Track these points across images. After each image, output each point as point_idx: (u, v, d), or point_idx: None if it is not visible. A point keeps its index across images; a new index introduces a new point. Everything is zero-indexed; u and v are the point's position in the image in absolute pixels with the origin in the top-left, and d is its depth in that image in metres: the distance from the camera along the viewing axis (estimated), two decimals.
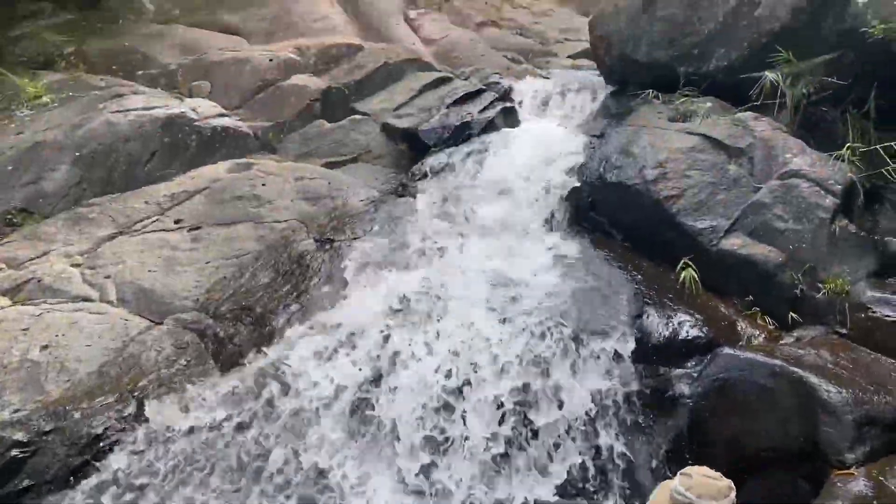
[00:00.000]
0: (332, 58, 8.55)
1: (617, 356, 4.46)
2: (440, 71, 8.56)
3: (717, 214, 5.07)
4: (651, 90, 6.48)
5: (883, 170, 4.95)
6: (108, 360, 4.55)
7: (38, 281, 5.12)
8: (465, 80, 8.22)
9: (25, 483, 3.86)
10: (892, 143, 4.99)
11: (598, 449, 4.24)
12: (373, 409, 4.37)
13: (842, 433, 3.67)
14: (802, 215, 4.79)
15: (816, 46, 5.64)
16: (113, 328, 4.80)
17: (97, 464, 4.00)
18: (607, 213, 5.68)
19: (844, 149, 5.05)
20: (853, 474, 3.51)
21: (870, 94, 5.29)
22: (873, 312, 4.34)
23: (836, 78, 5.44)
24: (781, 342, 4.53)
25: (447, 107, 7.36)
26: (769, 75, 5.59)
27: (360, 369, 4.51)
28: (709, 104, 5.89)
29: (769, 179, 5.07)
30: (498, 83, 7.97)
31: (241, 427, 4.26)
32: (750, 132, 5.41)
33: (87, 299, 5.07)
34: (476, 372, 4.42)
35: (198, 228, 5.76)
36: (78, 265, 5.40)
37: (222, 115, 7.04)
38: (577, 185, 5.90)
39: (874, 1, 5.03)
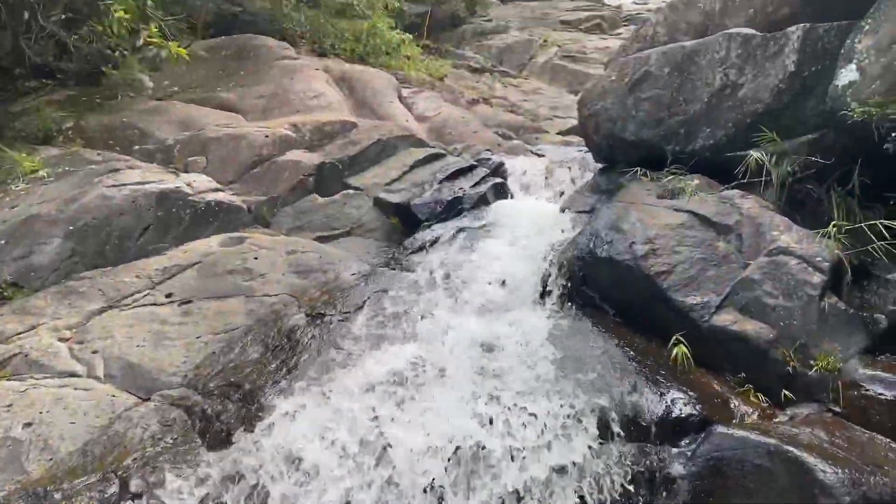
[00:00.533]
0: (327, 134, 8.72)
1: (609, 435, 4.40)
2: (433, 147, 8.74)
3: (707, 290, 5.09)
4: (639, 167, 6.61)
5: (869, 247, 5.01)
6: (92, 438, 4.46)
7: (25, 356, 5.08)
8: (458, 155, 8.40)
9: None
10: (877, 222, 5.07)
11: None
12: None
13: None
14: (792, 292, 4.82)
15: (800, 126, 5.80)
16: (99, 405, 4.73)
17: None
18: (599, 288, 5.69)
19: (830, 226, 5.13)
20: None
21: (853, 172, 5.40)
22: (866, 390, 4.31)
23: (820, 157, 5.57)
24: (776, 420, 4.49)
25: (439, 182, 7.48)
26: (754, 154, 5.72)
27: (341, 453, 4.41)
28: (696, 182, 6.00)
29: (758, 256, 5.12)
30: (489, 159, 8.14)
31: None
32: (737, 209, 5.50)
33: (73, 375, 5.02)
34: (463, 459, 4.33)
35: (188, 302, 5.75)
36: (66, 339, 5.37)
37: (217, 190, 7.12)
38: (569, 260, 5.94)
39: (853, 84, 5.19)
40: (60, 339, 5.32)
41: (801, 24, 5.86)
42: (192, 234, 6.67)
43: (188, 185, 6.97)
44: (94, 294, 5.88)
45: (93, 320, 5.58)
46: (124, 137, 8.19)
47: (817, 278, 4.80)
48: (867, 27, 5.27)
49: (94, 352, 5.23)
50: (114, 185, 6.63)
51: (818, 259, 4.90)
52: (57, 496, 4.04)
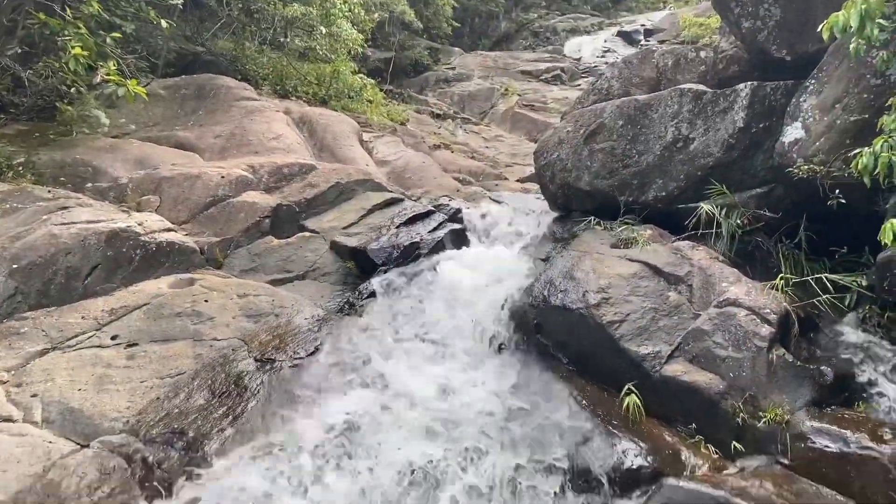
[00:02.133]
0: (285, 176, 8.67)
1: (560, 488, 4.35)
2: (391, 192, 8.75)
3: (659, 340, 5.14)
4: (593, 217, 6.71)
5: (815, 300, 5.11)
6: (24, 488, 4.24)
7: None
8: (416, 200, 8.41)
9: None
10: (822, 275, 5.19)
11: None
12: None
13: None
14: (741, 343, 4.88)
15: (749, 180, 5.96)
16: (33, 451, 4.51)
17: None
18: (552, 336, 5.70)
19: (778, 279, 5.23)
20: None
21: (800, 226, 5.55)
22: (813, 443, 4.35)
23: (768, 210, 5.72)
24: (726, 472, 4.50)
25: (397, 227, 7.47)
26: (704, 206, 5.85)
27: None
28: (648, 232, 6.10)
29: (708, 307, 5.19)
30: (447, 205, 8.16)
31: None
32: (688, 261, 5.58)
33: (8, 419, 4.80)
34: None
35: (134, 345, 5.58)
36: (3, 382, 5.15)
37: (168, 230, 6.99)
38: (524, 308, 5.94)
39: (798, 141, 5.36)
40: None
41: (750, 83, 6.06)
42: (141, 275, 6.51)
43: (139, 224, 6.83)
44: (37, 335, 5.68)
45: (33, 362, 5.37)
46: (77, 174, 8.02)
47: (765, 330, 4.87)
48: (811, 87, 5.47)
49: (34, 395, 5.02)
50: (63, 224, 6.46)
51: (766, 311, 4.98)
52: None
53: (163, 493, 4.41)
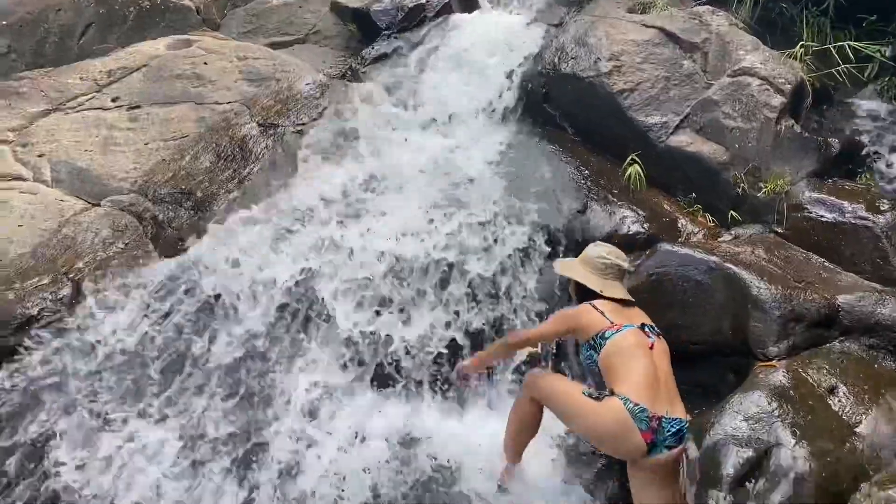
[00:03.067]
0: None
1: (555, 253, 4.50)
2: None
3: (667, 110, 5.03)
4: None
5: (834, 70, 4.93)
6: (41, 241, 4.42)
7: None
8: None
9: None
10: (846, 43, 4.95)
11: None
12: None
13: (768, 328, 3.78)
14: (750, 114, 4.78)
15: None
16: (47, 208, 4.65)
17: (32, 344, 3.95)
18: (560, 105, 5.58)
19: (798, 47, 5.00)
20: (775, 366, 3.65)
21: None
22: (809, 212, 4.42)
23: None
24: (720, 239, 4.62)
25: None
26: None
27: (304, 259, 4.47)
28: None
29: (721, 76, 5.02)
30: None
31: (176, 312, 4.22)
32: (706, 27, 5.31)
33: (18, 178, 4.89)
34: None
35: (136, 108, 5.52)
36: (8, 142, 5.18)
37: None
38: (532, 76, 5.76)
39: None
40: (2, 142, 5.13)
41: None
42: (137, 36, 6.28)
43: None
44: (36, 95, 5.61)
45: (36, 123, 5.36)
46: None
47: (777, 100, 4.74)
48: None
49: (40, 155, 5.07)
50: None
51: (780, 80, 4.82)
52: (10, 296, 4.07)
53: (176, 249, 4.59)
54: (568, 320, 3.49)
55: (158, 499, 3.64)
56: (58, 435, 3.73)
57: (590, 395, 3.21)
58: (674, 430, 3.14)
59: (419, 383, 4.23)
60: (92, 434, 3.79)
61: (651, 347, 3.32)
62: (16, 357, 3.88)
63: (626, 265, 3.65)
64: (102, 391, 3.91)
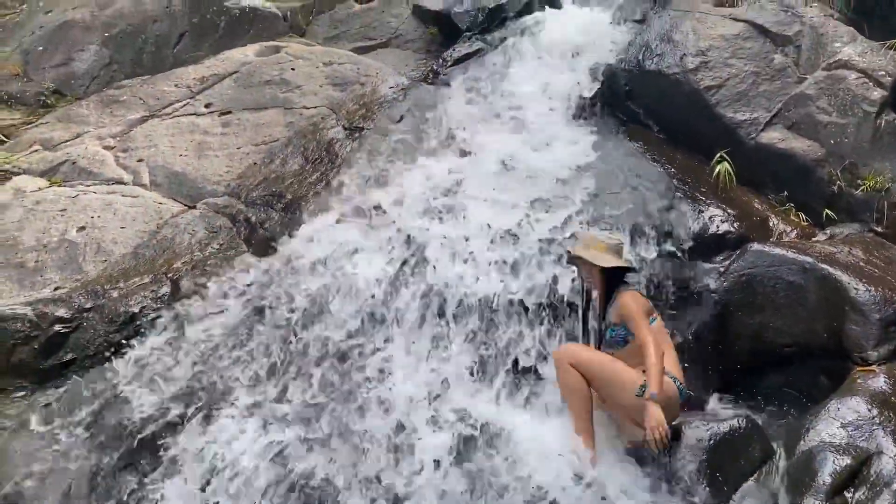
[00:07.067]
0: None
1: (645, 251, 4.43)
2: None
3: (757, 106, 4.91)
4: None
5: None
6: (142, 242, 4.65)
7: (73, 163, 5.21)
8: None
9: (69, 356, 4.05)
10: None
11: None
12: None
13: (867, 331, 3.66)
14: (847, 108, 4.61)
15: None
16: (146, 211, 4.88)
17: (135, 340, 4.15)
18: (644, 102, 5.51)
19: None
20: (874, 371, 3.52)
21: None
22: None
23: None
24: (814, 239, 4.47)
25: None
26: None
27: (390, 259, 4.54)
28: None
29: (815, 70, 4.86)
30: None
31: (274, 307, 4.36)
32: (799, 19, 5.14)
33: (120, 182, 5.15)
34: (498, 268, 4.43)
35: (228, 113, 5.73)
36: (111, 148, 5.45)
37: None
38: (615, 72, 5.70)
39: None
40: (105, 148, 5.41)
41: None
42: (227, 43, 6.54)
43: None
44: (135, 103, 5.90)
45: (135, 129, 5.63)
46: None
47: (876, 94, 4.57)
48: None
49: (139, 160, 5.33)
50: None
51: (880, 73, 4.63)
52: (114, 294, 4.29)
53: (268, 249, 4.74)
54: (648, 312, 3.62)
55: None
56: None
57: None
58: None
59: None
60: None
61: None
62: (122, 352, 4.08)
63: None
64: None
